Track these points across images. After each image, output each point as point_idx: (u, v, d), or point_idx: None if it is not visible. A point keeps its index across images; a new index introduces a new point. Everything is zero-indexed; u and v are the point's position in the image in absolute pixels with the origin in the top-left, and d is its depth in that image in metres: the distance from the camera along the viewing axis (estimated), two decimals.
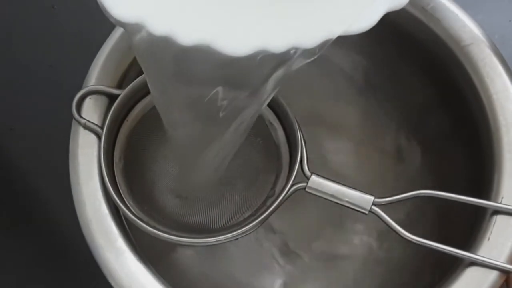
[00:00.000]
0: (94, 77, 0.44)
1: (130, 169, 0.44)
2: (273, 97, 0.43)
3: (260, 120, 0.45)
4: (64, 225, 0.54)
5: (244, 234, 0.41)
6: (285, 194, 0.41)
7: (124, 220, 0.43)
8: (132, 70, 0.44)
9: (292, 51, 0.28)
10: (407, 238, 0.40)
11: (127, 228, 0.43)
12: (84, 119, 0.43)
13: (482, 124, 0.44)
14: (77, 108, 0.43)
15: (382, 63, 0.52)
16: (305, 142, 0.42)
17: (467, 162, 0.48)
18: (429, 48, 0.46)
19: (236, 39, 0.27)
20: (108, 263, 0.40)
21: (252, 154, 0.46)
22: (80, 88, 0.44)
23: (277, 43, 0.27)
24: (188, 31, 0.27)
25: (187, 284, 0.52)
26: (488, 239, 0.40)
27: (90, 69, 0.44)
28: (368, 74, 0.54)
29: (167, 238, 0.41)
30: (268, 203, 0.43)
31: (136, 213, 0.42)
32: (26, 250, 0.54)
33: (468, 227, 0.43)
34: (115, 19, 0.27)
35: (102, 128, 0.42)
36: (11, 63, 0.60)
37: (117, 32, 0.44)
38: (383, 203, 0.41)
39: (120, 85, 0.44)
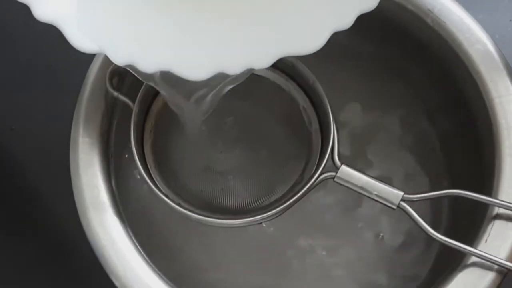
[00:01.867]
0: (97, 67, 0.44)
1: (159, 144, 0.44)
2: (310, 84, 0.43)
3: (294, 105, 0.45)
4: (64, 225, 0.54)
5: (269, 219, 0.41)
6: (313, 182, 0.41)
7: (121, 209, 0.43)
8: None
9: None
10: (433, 236, 0.40)
11: (124, 217, 0.43)
12: (116, 91, 0.42)
13: (484, 126, 0.44)
14: (110, 81, 0.43)
15: (386, 64, 0.53)
16: (337, 131, 0.42)
17: (468, 164, 0.48)
18: (433, 50, 0.47)
19: (194, 63, 0.28)
20: (104, 252, 0.41)
21: (283, 140, 0.46)
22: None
23: (233, 65, 0.28)
24: (148, 58, 0.28)
25: (184, 276, 0.52)
26: (486, 241, 0.40)
27: (94, 59, 0.44)
28: (371, 75, 0.54)
29: (191, 216, 0.41)
30: (295, 190, 0.42)
31: (162, 189, 0.42)
32: (26, 250, 0.54)
33: (466, 229, 0.44)
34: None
35: (133, 102, 0.42)
36: (11, 63, 0.60)
37: None
38: (413, 200, 0.41)
39: None
